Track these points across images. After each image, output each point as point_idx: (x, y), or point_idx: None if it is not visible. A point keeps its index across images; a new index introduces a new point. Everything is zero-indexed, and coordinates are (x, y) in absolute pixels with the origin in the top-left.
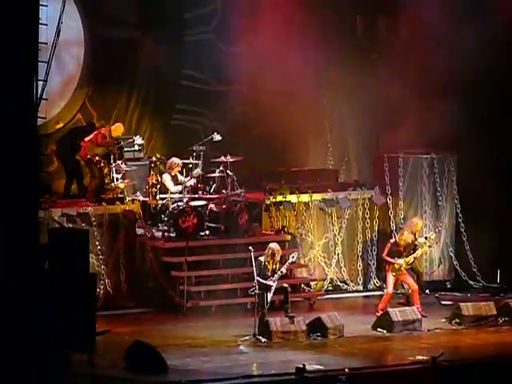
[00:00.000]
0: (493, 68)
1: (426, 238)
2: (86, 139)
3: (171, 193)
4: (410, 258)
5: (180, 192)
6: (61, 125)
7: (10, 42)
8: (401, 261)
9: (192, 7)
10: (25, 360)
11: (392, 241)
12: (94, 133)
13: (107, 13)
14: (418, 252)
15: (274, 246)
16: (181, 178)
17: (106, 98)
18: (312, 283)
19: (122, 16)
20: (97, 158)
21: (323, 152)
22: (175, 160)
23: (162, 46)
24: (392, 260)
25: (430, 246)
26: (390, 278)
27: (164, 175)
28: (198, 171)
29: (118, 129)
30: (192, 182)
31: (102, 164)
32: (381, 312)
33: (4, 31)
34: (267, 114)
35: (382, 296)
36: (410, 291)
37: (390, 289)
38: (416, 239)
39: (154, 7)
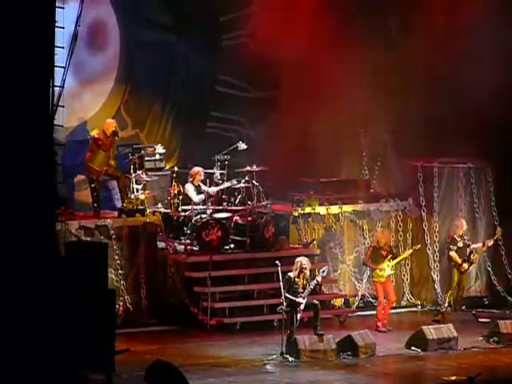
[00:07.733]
0: None
1: (483, 244)
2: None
3: (194, 203)
4: (466, 264)
5: (203, 202)
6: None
7: (24, 45)
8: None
9: (228, 10)
10: (41, 381)
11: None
12: (90, 142)
13: (142, 15)
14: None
15: (303, 259)
16: (204, 187)
17: (140, 104)
18: (342, 299)
19: (156, 19)
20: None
21: (357, 162)
22: (196, 169)
23: (197, 50)
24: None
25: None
26: None
27: (186, 185)
28: (233, 182)
29: (110, 125)
30: (213, 189)
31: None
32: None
33: (18, 34)
34: (300, 122)
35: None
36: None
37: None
38: (468, 245)
39: (189, 10)
